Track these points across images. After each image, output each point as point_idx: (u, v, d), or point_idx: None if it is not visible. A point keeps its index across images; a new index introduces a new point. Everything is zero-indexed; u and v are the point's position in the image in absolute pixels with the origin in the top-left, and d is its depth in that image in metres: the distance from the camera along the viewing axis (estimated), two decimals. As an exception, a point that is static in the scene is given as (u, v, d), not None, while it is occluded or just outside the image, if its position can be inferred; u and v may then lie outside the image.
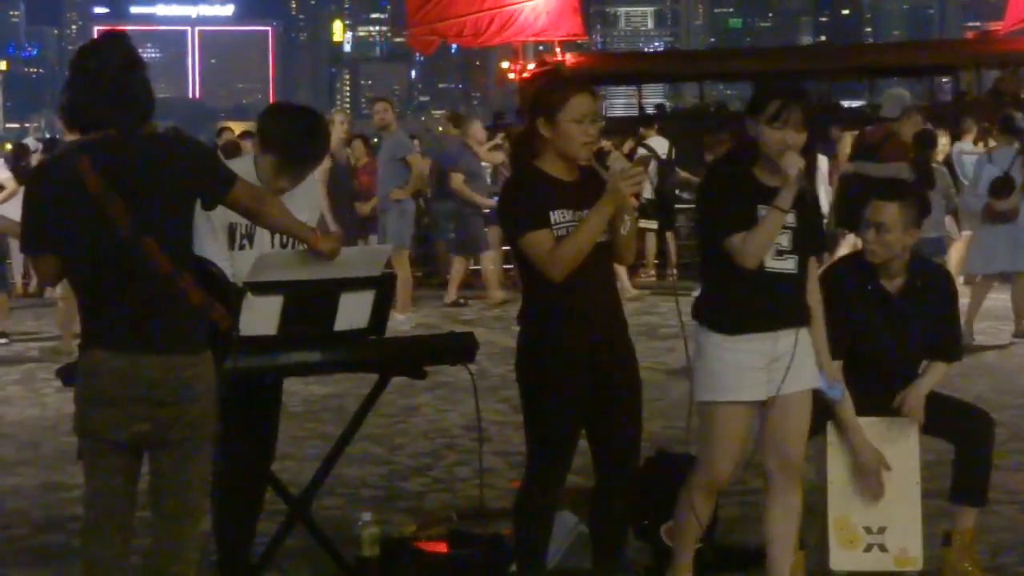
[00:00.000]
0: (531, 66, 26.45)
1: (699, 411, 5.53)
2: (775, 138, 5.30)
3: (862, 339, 5.97)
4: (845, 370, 5.98)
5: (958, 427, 6.09)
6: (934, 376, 6.11)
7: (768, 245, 5.31)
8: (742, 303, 5.38)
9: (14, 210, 11.46)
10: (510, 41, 25.89)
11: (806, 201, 5.35)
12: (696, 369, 5.50)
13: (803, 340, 5.46)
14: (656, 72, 33.16)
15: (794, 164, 5.25)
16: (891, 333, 6.02)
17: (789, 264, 5.41)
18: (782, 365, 5.38)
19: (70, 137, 12.39)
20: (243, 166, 5.61)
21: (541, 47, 29.86)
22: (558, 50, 25.93)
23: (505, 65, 26.66)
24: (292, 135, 5.69)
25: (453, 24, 24.50)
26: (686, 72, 31.91)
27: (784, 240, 5.36)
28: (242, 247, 5.67)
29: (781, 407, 5.47)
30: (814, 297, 5.59)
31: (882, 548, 6.00)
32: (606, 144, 17.97)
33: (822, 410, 5.99)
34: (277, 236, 5.64)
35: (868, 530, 6.00)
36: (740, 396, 5.42)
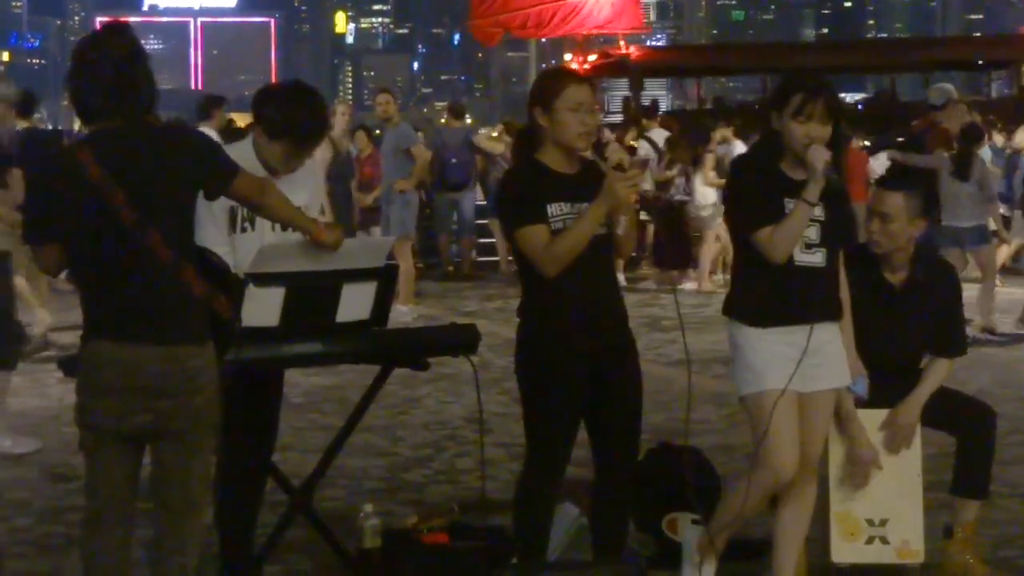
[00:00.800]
0: (592, 58, 26.51)
1: (745, 407, 5.49)
2: (799, 132, 5.29)
3: (864, 332, 5.96)
4: None
5: (959, 420, 6.07)
6: (934, 381, 6.05)
7: (796, 239, 5.29)
8: (772, 297, 5.36)
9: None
10: (572, 33, 26.03)
11: (834, 193, 5.33)
12: (734, 364, 5.49)
13: (833, 336, 5.47)
14: (722, 66, 33.09)
15: (820, 157, 5.23)
16: (893, 326, 6.00)
17: (818, 258, 5.39)
18: (813, 361, 5.35)
19: (22, 124, 12.55)
20: (241, 151, 5.58)
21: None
22: (622, 43, 26.04)
23: (567, 57, 26.78)
24: (300, 117, 5.63)
25: (516, 16, 24.71)
26: (753, 66, 31.65)
27: (812, 233, 5.35)
28: (244, 229, 5.65)
29: (808, 403, 5.46)
30: (844, 291, 5.60)
31: (884, 540, 6.00)
32: (605, 135, 18.04)
33: None
34: None
35: (870, 522, 5.99)
36: (781, 384, 5.34)
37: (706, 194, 16.33)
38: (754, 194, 5.36)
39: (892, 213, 5.91)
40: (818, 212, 5.32)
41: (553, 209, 5.26)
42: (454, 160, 17.68)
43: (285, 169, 5.63)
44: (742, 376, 5.45)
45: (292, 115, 5.61)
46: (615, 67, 26.86)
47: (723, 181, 16.47)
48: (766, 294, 5.39)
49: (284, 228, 5.58)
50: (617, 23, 25.43)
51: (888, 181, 6.17)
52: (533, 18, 24.57)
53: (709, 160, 16.70)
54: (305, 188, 5.75)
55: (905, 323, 6.02)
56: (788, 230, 5.27)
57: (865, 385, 5.77)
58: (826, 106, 5.30)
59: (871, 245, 5.99)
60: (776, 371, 5.35)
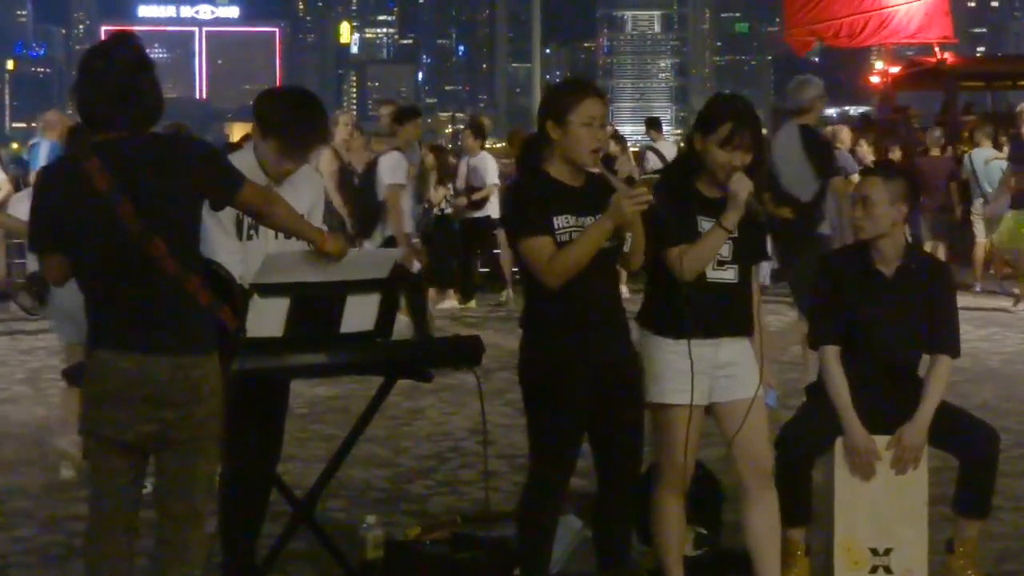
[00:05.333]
0: (894, 69, 26.65)
1: (650, 413, 5.58)
2: (722, 159, 5.42)
3: (858, 323, 5.97)
4: (844, 357, 5.99)
5: (963, 441, 6.05)
6: (935, 393, 6.01)
7: (708, 261, 5.43)
8: (680, 310, 5.42)
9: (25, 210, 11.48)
10: (883, 43, 26.26)
11: (744, 212, 5.42)
12: (645, 373, 5.55)
13: (742, 349, 5.58)
14: None
15: (744, 187, 5.36)
16: (885, 317, 6.00)
17: (729, 274, 5.52)
18: (722, 373, 5.51)
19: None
20: (243, 158, 5.59)
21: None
22: (936, 50, 26.22)
23: (879, 66, 27.02)
24: (291, 116, 5.66)
25: (830, 25, 25.22)
26: None
27: (724, 251, 5.47)
28: (250, 237, 5.66)
29: (731, 414, 5.57)
30: (756, 304, 5.70)
31: (887, 570, 5.97)
32: (613, 149, 18.02)
33: (833, 425, 5.97)
34: None
35: (874, 551, 5.97)
36: (678, 399, 5.49)
37: None
38: (667, 210, 5.39)
39: (873, 197, 5.94)
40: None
41: (559, 222, 5.27)
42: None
43: (277, 169, 5.64)
44: (649, 384, 5.52)
45: (284, 113, 5.65)
46: (926, 75, 27.02)
47: None
48: (675, 308, 5.45)
49: (288, 236, 5.59)
50: (928, 32, 25.64)
51: (870, 168, 6.22)
52: (845, 28, 25.04)
53: None
54: (306, 196, 5.76)
55: (897, 313, 6.01)
56: (700, 252, 5.41)
57: (775, 397, 5.84)
58: (753, 136, 5.43)
59: (857, 232, 6.03)
60: (675, 384, 5.48)
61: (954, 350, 6.16)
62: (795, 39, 26.33)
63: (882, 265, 6.04)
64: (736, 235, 5.45)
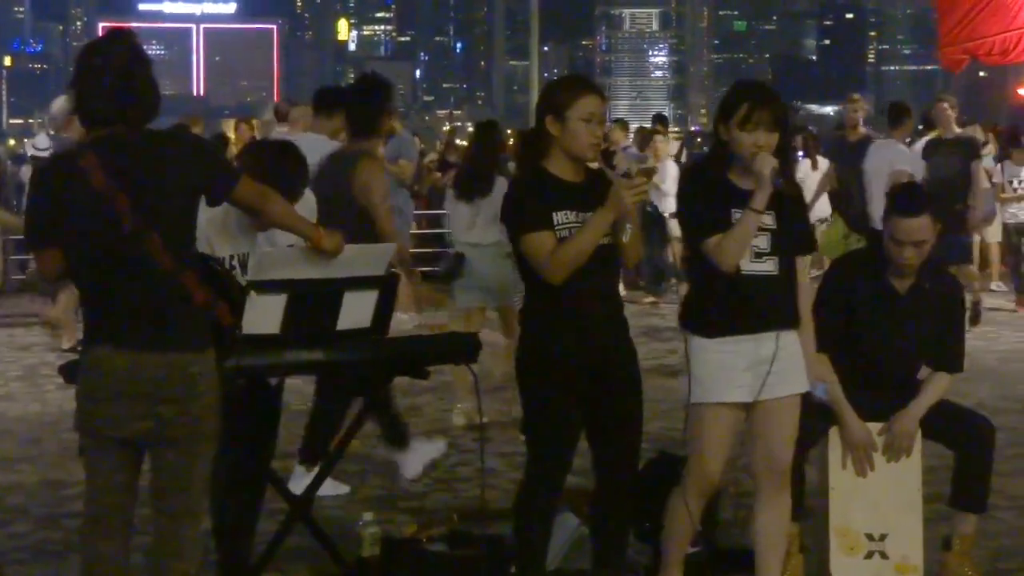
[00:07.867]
0: None
1: (689, 413, 5.53)
2: (746, 141, 5.33)
3: (862, 331, 5.96)
4: (843, 367, 5.97)
5: (959, 434, 6.07)
6: (933, 394, 6.04)
7: (744, 247, 5.32)
8: (721, 306, 5.38)
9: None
10: None
11: (785, 202, 5.36)
12: (689, 372, 5.51)
13: (788, 343, 5.45)
14: None
15: (767, 164, 5.27)
16: (893, 331, 6.00)
17: (768, 266, 5.41)
18: (765, 369, 5.37)
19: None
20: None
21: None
22: None
23: None
24: (273, 165, 5.64)
25: (982, 43, 25.57)
26: None
27: (762, 242, 5.37)
28: None
29: (766, 411, 5.46)
30: (804, 297, 5.59)
31: (883, 555, 5.99)
32: (612, 144, 18.05)
33: (825, 416, 5.97)
34: None
35: (869, 537, 5.98)
36: (724, 397, 5.41)
37: None
38: (701, 204, 5.38)
39: (926, 237, 5.91)
40: (768, 221, 5.36)
41: (559, 217, 5.27)
42: None
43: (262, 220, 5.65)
44: (690, 384, 5.48)
45: (266, 163, 5.62)
46: None
47: None
48: (715, 304, 5.41)
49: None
50: None
51: (907, 206, 6.00)
52: (998, 45, 25.38)
53: None
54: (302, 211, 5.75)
55: (905, 329, 6.01)
56: (735, 239, 5.30)
57: (825, 389, 5.79)
58: (772, 115, 5.34)
59: (906, 269, 5.96)
60: (719, 383, 5.40)
61: (957, 368, 6.17)
62: (949, 57, 26.73)
63: (896, 280, 6.03)
64: (774, 227, 5.37)
